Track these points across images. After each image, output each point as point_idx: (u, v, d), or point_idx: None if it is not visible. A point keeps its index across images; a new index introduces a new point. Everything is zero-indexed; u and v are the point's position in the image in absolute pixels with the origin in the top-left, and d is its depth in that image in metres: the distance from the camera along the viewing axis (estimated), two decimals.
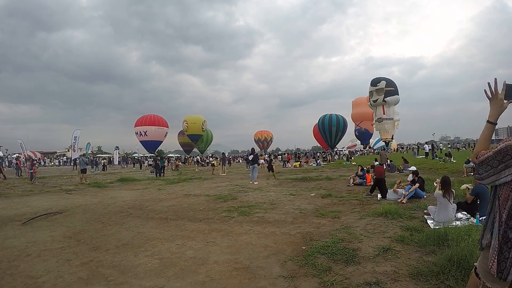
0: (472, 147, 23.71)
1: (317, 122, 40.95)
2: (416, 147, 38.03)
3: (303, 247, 4.21)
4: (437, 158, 24.21)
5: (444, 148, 36.12)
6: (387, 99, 24.59)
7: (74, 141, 25.88)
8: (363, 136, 40.75)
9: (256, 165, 13.99)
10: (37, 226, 6.14)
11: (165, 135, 41.57)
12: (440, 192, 5.54)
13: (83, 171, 16.36)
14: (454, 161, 20.30)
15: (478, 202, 5.54)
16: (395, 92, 24.94)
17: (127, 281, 3.36)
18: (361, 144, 46.38)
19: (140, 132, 38.74)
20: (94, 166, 30.67)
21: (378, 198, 8.05)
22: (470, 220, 5.20)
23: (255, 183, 12.95)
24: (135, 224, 6.07)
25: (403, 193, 7.72)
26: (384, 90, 24.85)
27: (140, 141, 39.68)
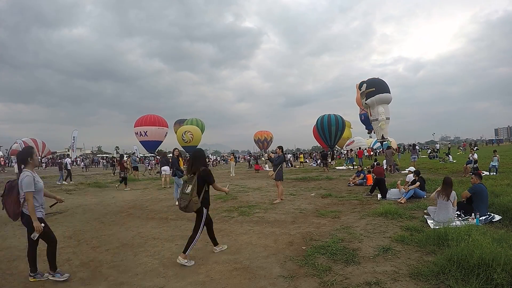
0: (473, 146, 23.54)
1: (315, 123, 40.72)
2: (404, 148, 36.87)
3: (303, 247, 4.21)
4: (437, 158, 24.21)
5: (453, 146, 35.71)
6: (367, 101, 24.67)
7: (73, 141, 25.84)
8: (366, 120, 40.24)
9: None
10: None
11: (165, 135, 41.53)
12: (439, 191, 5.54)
13: (135, 168, 17.97)
14: (454, 161, 20.32)
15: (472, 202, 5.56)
16: (378, 91, 24.77)
17: (127, 281, 3.36)
18: (366, 129, 45.38)
19: (140, 132, 38.64)
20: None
21: (378, 198, 8.05)
22: (469, 220, 5.19)
23: None
24: (135, 224, 6.07)
25: (404, 191, 7.73)
26: (365, 92, 24.94)
27: (140, 141, 39.57)
